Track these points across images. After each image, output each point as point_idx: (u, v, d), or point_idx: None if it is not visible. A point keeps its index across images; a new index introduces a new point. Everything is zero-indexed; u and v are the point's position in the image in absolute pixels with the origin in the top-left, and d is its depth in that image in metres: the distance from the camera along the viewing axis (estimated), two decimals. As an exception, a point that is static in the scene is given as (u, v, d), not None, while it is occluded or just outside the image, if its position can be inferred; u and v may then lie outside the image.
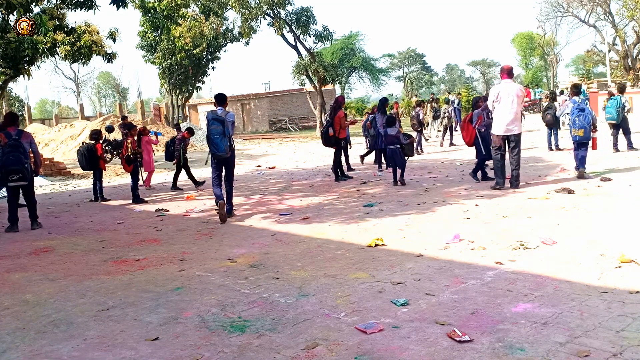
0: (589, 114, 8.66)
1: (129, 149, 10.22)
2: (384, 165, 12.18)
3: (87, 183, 14.49)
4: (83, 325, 3.85)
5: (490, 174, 9.08)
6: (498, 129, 8.29)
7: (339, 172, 11.01)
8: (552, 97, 14.44)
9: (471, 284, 4.14)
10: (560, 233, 5.40)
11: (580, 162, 8.84)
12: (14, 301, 4.52)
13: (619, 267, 4.24)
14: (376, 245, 5.49)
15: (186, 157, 11.69)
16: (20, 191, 7.98)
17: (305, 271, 4.80)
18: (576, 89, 9.66)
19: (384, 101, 12.51)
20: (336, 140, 10.67)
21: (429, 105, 20.25)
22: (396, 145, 9.66)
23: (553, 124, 13.03)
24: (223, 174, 7.79)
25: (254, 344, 3.33)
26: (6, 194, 8.15)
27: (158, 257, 5.74)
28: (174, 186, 11.50)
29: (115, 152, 19.62)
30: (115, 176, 15.77)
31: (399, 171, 9.70)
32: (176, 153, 11.37)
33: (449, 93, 34.94)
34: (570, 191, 7.51)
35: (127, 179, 14.58)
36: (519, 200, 7.35)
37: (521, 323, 3.34)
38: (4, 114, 10.15)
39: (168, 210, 8.86)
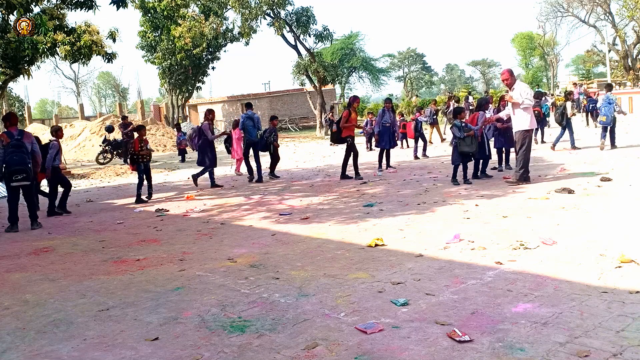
0: (613, 105, 11.92)
1: (131, 150, 10.11)
2: (384, 165, 12.18)
3: (87, 183, 14.50)
4: (83, 325, 3.84)
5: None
6: (532, 123, 8.64)
7: (343, 171, 11.16)
8: (567, 96, 14.46)
9: (471, 284, 4.14)
10: (560, 233, 5.40)
11: (612, 140, 12.10)
12: (14, 301, 4.52)
13: (619, 267, 4.24)
14: (376, 245, 5.48)
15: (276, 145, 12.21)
16: (21, 191, 7.97)
17: (305, 271, 4.79)
18: (609, 87, 13.40)
19: (389, 99, 12.95)
20: (341, 138, 10.92)
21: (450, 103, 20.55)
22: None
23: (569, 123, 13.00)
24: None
25: (254, 344, 3.33)
26: (6, 194, 8.15)
27: (158, 257, 5.74)
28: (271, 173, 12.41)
29: (115, 152, 19.72)
30: (115, 176, 15.77)
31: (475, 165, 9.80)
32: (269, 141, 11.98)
33: (450, 93, 35.00)
34: (570, 191, 7.51)
35: (126, 179, 14.60)
36: (519, 200, 7.35)
37: (521, 323, 3.34)
38: (4, 114, 10.20)
39: (168, 210, 8.85)
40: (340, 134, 10.94)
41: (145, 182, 10.03)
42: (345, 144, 10.95)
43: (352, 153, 10.96)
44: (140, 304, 4.23)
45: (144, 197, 9.99)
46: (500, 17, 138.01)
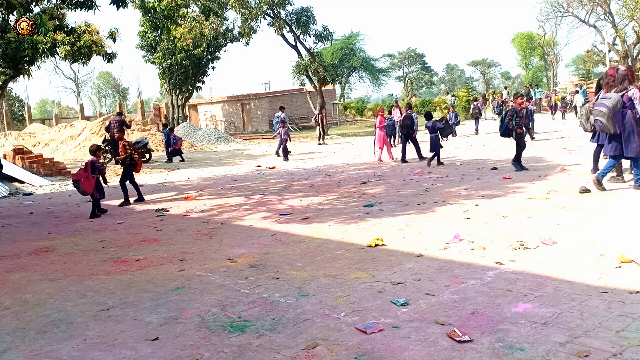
0: None
1: (125, 152, 10.03)
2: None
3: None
4: (83, 325, 3.84)
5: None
6: None
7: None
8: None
9: (471, 284, 4.14)
10: (560, 233, 5.40)
11: None
12: (14, 301, 4.52)
13: (619, 267, 4.24)
14: (376, 245, 5.48)
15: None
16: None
17: (305, 271, 4.79)
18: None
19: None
20: None
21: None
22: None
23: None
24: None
25: (254, 344, 3.33)
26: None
27: (158, 257, 5.74)
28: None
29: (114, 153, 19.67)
30: (115, 176, 15.75)
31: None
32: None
33: (455, 93, 34.96)
34: (586, 190, 7.30)
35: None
36: (519, 200, 7.35)
37: (521, 323, 3.34)
38: (4, 114, 10.40)
39: (168, 210, 8.85)
40: None
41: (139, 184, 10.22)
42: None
43: None
44: (140, 304, 4.23)
45: (130, 200, 10.02)
46: (500, 17, 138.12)
